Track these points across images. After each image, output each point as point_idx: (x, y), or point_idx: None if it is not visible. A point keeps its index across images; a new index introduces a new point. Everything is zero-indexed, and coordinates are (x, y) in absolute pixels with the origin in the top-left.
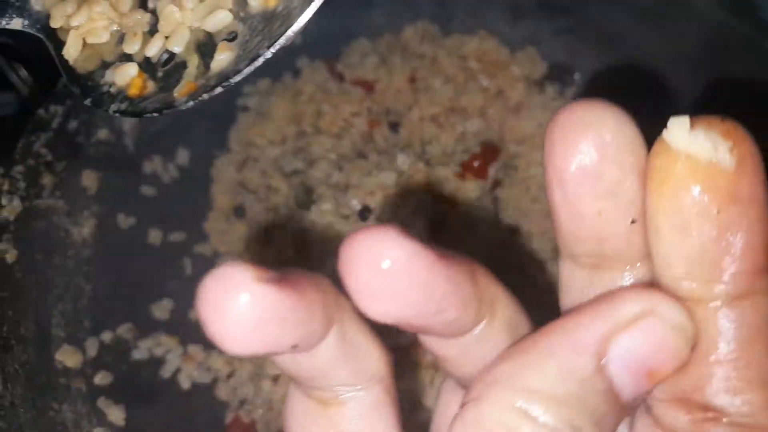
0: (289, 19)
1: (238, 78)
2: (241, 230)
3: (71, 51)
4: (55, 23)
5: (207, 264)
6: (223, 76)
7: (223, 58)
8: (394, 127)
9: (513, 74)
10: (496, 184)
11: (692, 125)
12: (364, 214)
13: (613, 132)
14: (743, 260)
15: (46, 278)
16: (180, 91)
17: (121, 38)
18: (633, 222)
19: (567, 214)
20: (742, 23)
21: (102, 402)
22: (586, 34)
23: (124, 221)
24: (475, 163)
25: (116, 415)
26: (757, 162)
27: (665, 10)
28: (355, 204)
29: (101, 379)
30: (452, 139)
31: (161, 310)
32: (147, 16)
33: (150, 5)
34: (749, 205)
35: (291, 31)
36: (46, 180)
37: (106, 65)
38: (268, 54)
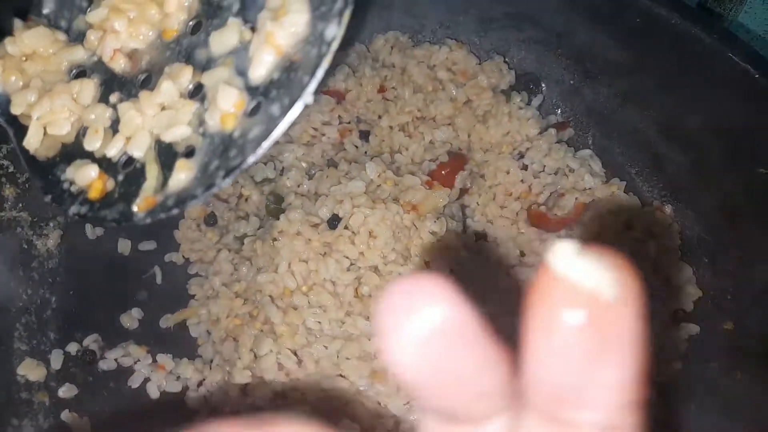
0: (243, 151)
1: (194, 203)
2: (212, 238)
3: (32, 141)
4: (16, 110)
5: (178, 272)
6: (181, 199)
7: (181, 177)
8: (365, 135)
9: (481, 84)
10: (463, 191)
11: (581, 252)
12: (334, 222)
13: (440, 313)
14: (612, 393)
15: (8, 291)
16: (139, 205)
17: (83, 132)
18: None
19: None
20: (706, 32)
21: (66, 415)
22: (553, 44)
23: (92, 231)
24: (443, 172)
25: (82, 428)
26: (638, 300)
27: (633, 23)
28: (325, 212)
29: (66, 392)
30: (421, 147)
31: (130, 319)
32: (108, 111)
33: (112, 100)
34: (624, 339)
35: (245, 165)
36: (9, 191)
37: (67, 158)
38: (224, 184)
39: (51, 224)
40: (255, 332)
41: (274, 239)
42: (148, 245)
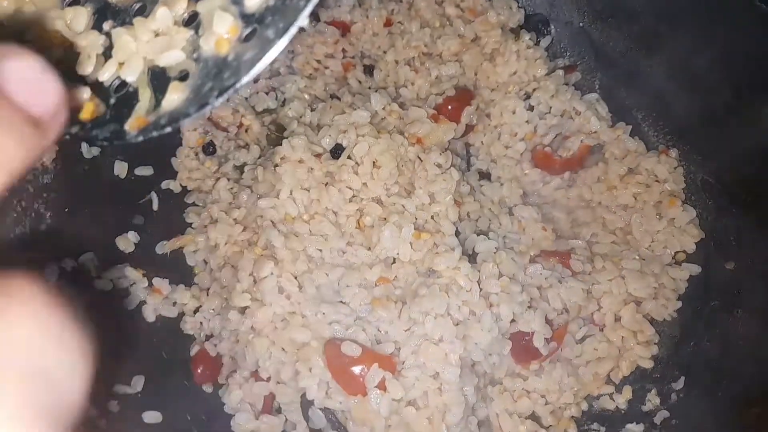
0: (238, 72)
1: (187, 121)
2: (210, 167)
3: None
4: None
5: (174, 200)
6: (173, 117)
7: (174, 98)
8: (369, 70)
9: (490, 21)
10: (469, 129)
11: None
12: (337, 152)
13: None
14: None
15: (2, 200)
16: (131, 125)
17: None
18: None
19: None
20: None
21: None
22: None
23: (88, 151)
24: (449, 107)
25: None
26: None
27: None
28: (328, 142)
29: None
30: (427, 83)
31: (126, 242)
32: (101, 39)
33: (105, 27)
34: None
35: (239, 84)
36: None
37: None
38: (217, 103)
39: None
40: (255, 257)
41: (276, 165)
42: (145, 170)
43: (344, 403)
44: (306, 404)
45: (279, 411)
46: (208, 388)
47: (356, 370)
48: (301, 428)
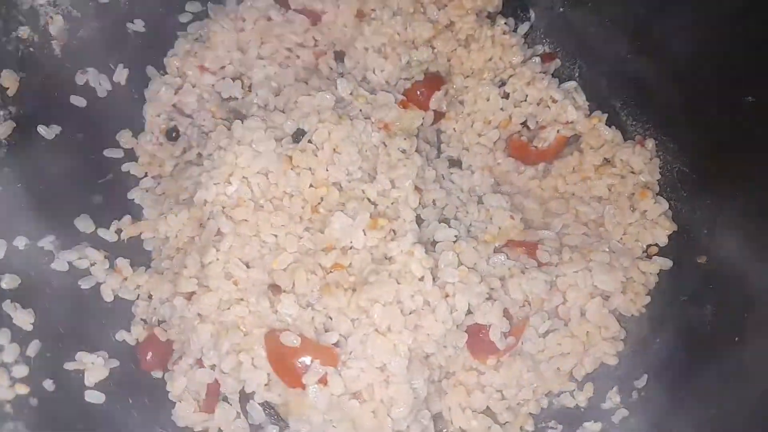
0: None
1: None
2: (173, 152)
3: None
4: None
5: (135, 184)
6: None
7: None
8: (340, 57)
9: (464, 6)
10: (439, 115)
11: None
12: (298, 136)
13: None
14: None
15: None
16: None
17: None
18: None
19: None
20: None
21: (7, 305)
22: None
23: (48, 130)
24: (419, 93)
25: (23, 318)
26: None
27: None
28: (290, 126)
29: (8, 282)
30: (397, 68)
31: (85, 223)
32: None
33: None
34: None
35: None
36: None
37: None
38: None
39: (2, 113)
40: (202, 243)
41: (223, 149)
42: (108, 152)
43: (283, 396)
44: (245, 398)
45: (226, 400)
46: (157, 374)
47: (296, 362)
48: (240, 423)
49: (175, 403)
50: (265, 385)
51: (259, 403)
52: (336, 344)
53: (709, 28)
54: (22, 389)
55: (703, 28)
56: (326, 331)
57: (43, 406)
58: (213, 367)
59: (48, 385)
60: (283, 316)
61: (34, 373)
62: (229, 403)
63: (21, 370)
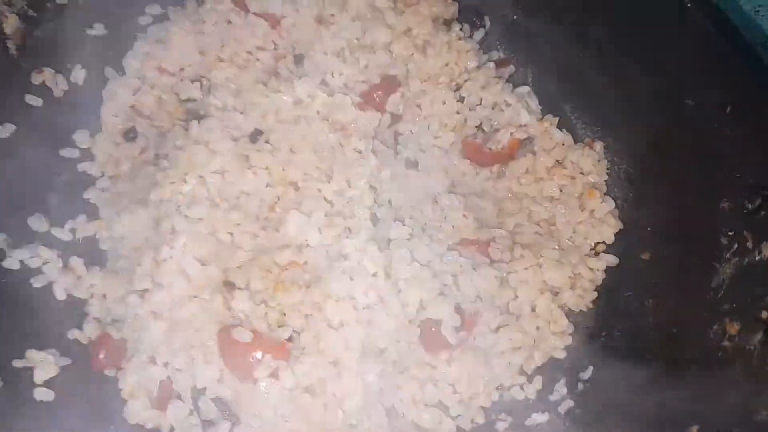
0: None
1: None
2: (131, 153)
3: None
4: None
5: (91, 184)
6: None
7: None
8: (299, 60)
9: (421, 12)
10: (397, 118)
11: None
12: (255, 136)
13: None
14: None
15: None
16: None
17: None
18: None
19: None
20: None
21: None
22: None
23: (2, 128)
24: (376, 95)
25: None
26: None
27: None
28: (247, 126)
29: None
30: (355, 71)
31: (39, 222)
32: None
33: None
34: None
35: None
36: None
37: None
38: None
39: None
40: (157, 241)
41: (179, 148)
42: (65, 152)
43: (235, 391)
44: (197, 394)
45: (179, 398)
46: (110, 373)
47: (247, 357)
48: (192, 420)
49: (127, 401)
50: (217, 380)
51: (210, 399)
52: (289, 339)
53: (650, 33)
54: None
55: (644, 33)
56: (279, 327)
57: None
58: (166, 364)
59: None
60: (236, 312)
61: None
62: (181, 400)
63: None
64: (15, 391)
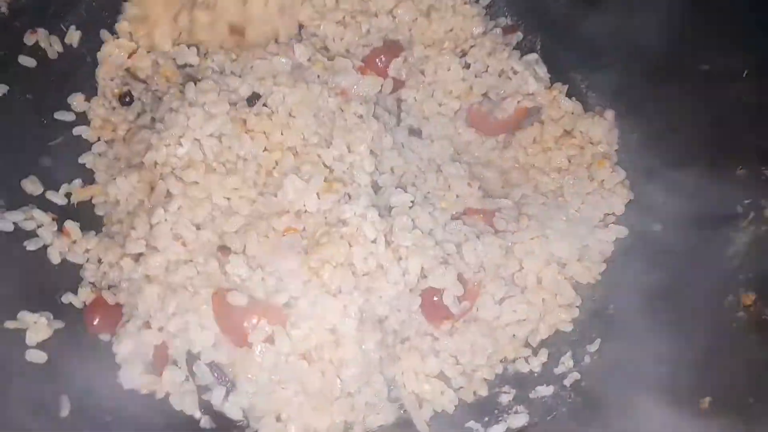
0: None
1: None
2: (126, 117)
3: None
4: None
5: (87, 148)
6: None
7: None
8: (299, 27)
9: None
10: (399, 84)
11: None
12: (253, 100)
13: None
14: None
15: None
16: None
17: None
18: None
19: None
20: None
21: None
22: None
23: None
24: (378, 61)
25: None
26: None
27: None
28: (245, 89)
29: None
30: (356, 36)
31: (33, 185)
32: None
33: None
34: None
35: None
36: None
37: None
38: None
39: None
40: (150, 205)
41: (174, 110)
42: (59, 115)
43: (230, 356)
44: (192, 359)
45: (175, 363)
46: (105, 337)
47: (243, 321)
48: (188, 386)
49: (121, 366)
50: (213, 345)
51: (206, 364)
52: (286, 305)
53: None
54: None
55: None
56: (277, 292)
57: None
58: (161, 329)
59: None
60: (232, 277)
61: None
62: (177, 366)
63: None
64: (7, 354)
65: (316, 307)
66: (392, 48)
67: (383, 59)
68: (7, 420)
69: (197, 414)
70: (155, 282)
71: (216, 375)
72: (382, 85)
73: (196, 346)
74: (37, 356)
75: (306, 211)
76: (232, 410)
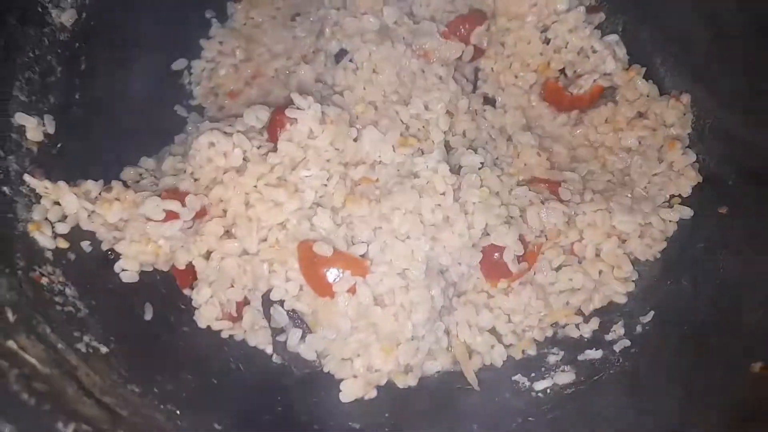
0: None
1: None
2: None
3: None
4: None
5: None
6: None
7: None
8: None
9: None
10: (479, 52)
11: None
12: (339, 56)
13: None
14: None
15: (16, 42)
16: None
17: None
18: None
19: None
20: None
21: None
22: None
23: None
24: (462, 28)
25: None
26: None
27: None
28: (334, 46)
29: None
30: (443, 1)
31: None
32: None
33: None
34: None
35: None
36: None
37: None
38: None
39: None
40: None
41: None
42: (179, 64)
43: (312, 305)
44: (267, 303)
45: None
46: (189, 292)
47: (327, 271)
48: (263, 328)
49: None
50: (295, 296)
51: (286, 310)
52: (363, 255)
53: None
54: (63, 244)
55: None
56: (353, 244)
57: (79, 261)
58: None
59: (85, 246)
60: (317, 228)
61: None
62: (254, 307)
63: (63, 228)
64: (101, 261)
65: (386, 253)
66: (476, 17)
67: (467, 27)
68: None
69: (269, 349)
70: None
71: (292, 318)
72: (463, 51)
73: (275, 295)
74: (128, 276)
75: (380, 163)
76: (308, 352)
